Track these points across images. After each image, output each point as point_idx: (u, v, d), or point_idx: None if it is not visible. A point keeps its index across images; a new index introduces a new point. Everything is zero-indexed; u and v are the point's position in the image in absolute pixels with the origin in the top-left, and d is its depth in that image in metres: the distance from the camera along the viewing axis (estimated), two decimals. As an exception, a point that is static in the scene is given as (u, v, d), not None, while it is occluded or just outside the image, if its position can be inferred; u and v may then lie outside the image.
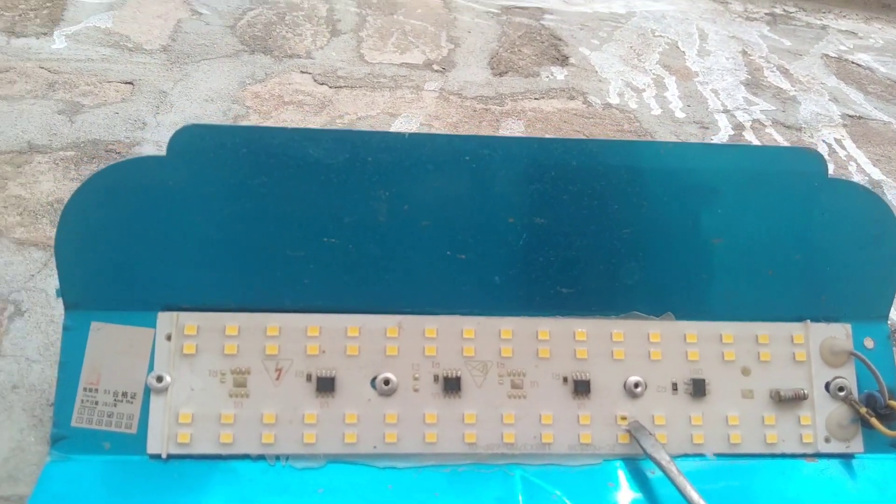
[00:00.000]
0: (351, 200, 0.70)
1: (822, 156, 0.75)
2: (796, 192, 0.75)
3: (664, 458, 0.67)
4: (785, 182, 0.75)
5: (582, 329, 0.74)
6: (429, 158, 0.71)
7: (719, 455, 0.73)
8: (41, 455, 0.69)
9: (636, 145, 0.75)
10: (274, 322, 0.71)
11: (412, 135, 0.70)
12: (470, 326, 0.73)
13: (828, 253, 0.76)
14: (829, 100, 1.66)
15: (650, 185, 0.73)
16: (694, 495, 0.63)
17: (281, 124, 1.18)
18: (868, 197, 0.76)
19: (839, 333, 0.76)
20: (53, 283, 0.87)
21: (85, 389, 0.68)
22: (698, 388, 0.73)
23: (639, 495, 0.69)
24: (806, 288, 0.76)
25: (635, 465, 0.71)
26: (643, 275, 0.74)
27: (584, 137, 1.23)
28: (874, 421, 0.73)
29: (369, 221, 0.71)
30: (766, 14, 2.23)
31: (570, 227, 0.73)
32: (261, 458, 0.69)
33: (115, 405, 0.68)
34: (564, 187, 0.72)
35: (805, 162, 0.75)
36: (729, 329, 0.75)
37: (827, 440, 0.74)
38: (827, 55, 1.94)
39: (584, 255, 0.73)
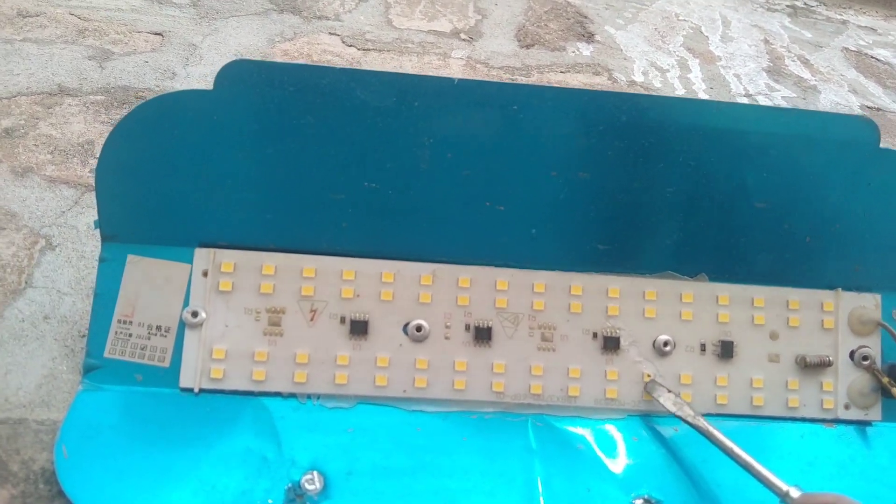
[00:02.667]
0: (395, 145, 0.70)
1: (876, 125, 0.75)
2: (846, 160, 0.75)
3: (689, 414, 0.68)
4: (834, 149, 0.74)
5: (615, 286, 0.74)
6: (476, 106, 0.71)
7: (741, 416, 0.73)
8: (73, 383, 0.70)
9: (688, 103, 0.75)
10: (310, 264, 0.71)
11: (461, 80, 0.70)
12: (503, 278, 0.73)
13: (868, 223, 0.76)
14: (849, 91, 1.66)
15: (698, 145, 0.73)
16: (727, 442, 0.64)
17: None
18: None
19: (868, 303, 0.77)
20: (84, 219, 0.87)
21: (119, 321, 0.69)
22: (726, 350, 0.74)
23: (662, 450, 0.70)
24: (841, 257, 0.77)
25: (659, 421, 0.72)
26: (681, 235, 0.75)
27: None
28: (895, 391, 0.74)
29: (411, 167, 0.71)
30: (787, 6, 2.23)
31: (613, 183, 0.73)
32: (292, 396, 0.69)
33: (149, 338, 0.69)
34: (611, 142, 0.72)
35: (858, 130, 0.74)
36: (761, 293, 0.76)
37: (846, 407, 0.75)
38: (847, 48, 1.94)
39: (624, 213, 0.74)
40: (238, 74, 0.68)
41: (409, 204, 0.72)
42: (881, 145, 0.75)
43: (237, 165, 0.70)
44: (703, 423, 0.67)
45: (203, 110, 0.69)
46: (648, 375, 0.73)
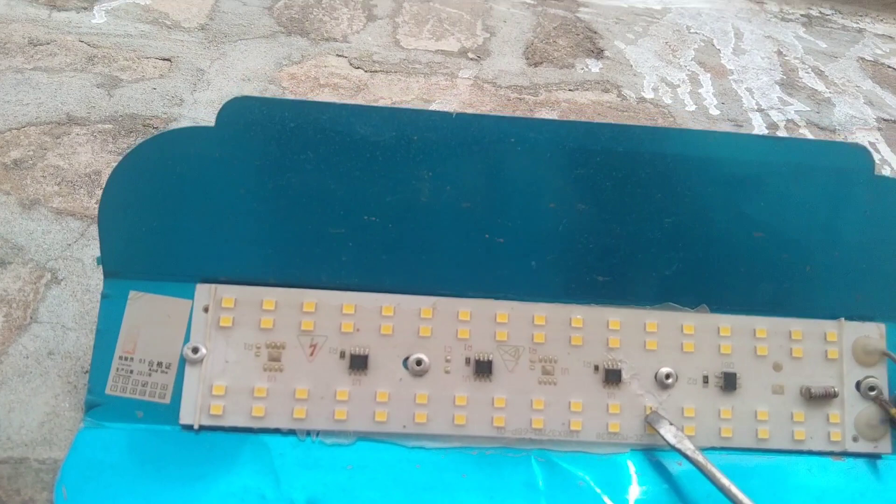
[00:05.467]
0: (394, 179, 0.71)
1: (869, 152, 0.74)
2: (841, 189, 0.74)
3: (689, 448, 0.67)
4: (830, 177, 0.74)
5: (616, 318, 0.74)
6: (474, 139, 0.71)
7: (746, 450, 0.73)
8: (75, 421, 0.70)
9: (683, 133, 0.75)
10: (310, 298, 0.71)
11: (459, 114, 0.70)
12: (504, 311, 0.73)
13: (868, 251, 0.75)
14: (864, 103, 1.64)
15: (695, 175, 0.72)
16: (724, 480, 0.63)
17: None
18: None
19: (873, 333, 0.76)
20: (90, 252, 0.88)
21: (120, 358, 0.69)
22: (729, 382, 0.73)
23: (665, 486, 0.69)
24: (842, 286, 0.76)
25: (663, 456, 0.71)
26: (681, 265, 0.74)
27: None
28: (904, 423, 0.73)
29: (411, 201, 0.71)
30: (801, 15, 2.20)
31: (611, 214, 0.73)
32: (291, 432, 0.69)
33: (150, 374, 0.69)
34: (608, 173, 0.72)
35: (852, 158, 0.74)
36: (763, 324, 0.75)
37: (855, 439, 0.74)
38: (863, 58, 1.92)
39: (623, 244, 0.73)
40: (239, 111, 0.69)
41: (409, 237, 0.72)
42: (875, 172, 0.74)
43: (238, 201, 0.70)
44: (701, 458, 0.66)
45: (205, 147, 0.69)
46: (650, 408, 0.72)
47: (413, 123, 0.70)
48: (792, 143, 0.77)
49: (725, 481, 0.63)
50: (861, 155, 0.74)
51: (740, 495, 0.62)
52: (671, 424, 0.70)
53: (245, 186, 0.70)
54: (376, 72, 1.37)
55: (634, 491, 0.69)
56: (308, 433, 0.70)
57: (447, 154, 0.71)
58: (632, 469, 0.70)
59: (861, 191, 0.75)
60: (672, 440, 0.68)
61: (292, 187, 0.71)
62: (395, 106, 0.67)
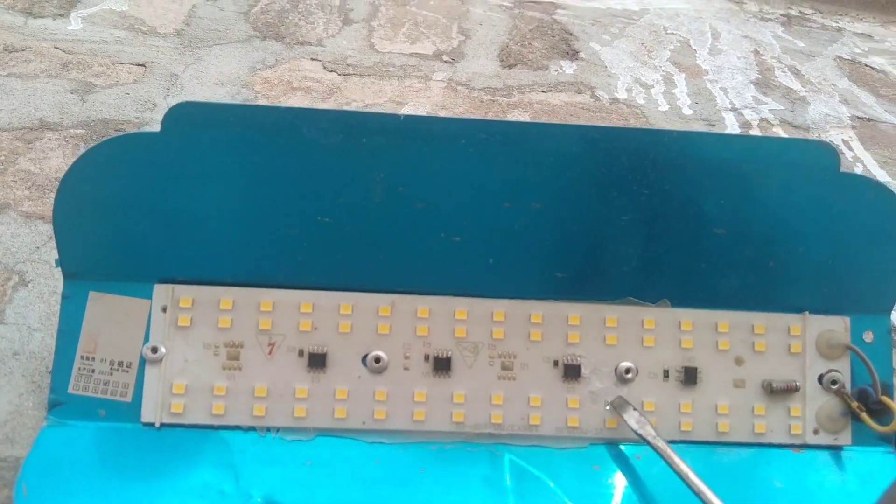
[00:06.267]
0: (345, 180, 0.71)
1: (835, 149, 0.74)
2: (806, 185, 0.74)
3: (650, 434, 0.68)
4: (795, 174, 0.74)
5: (575, 313, 0.74)
6: (424, 141, 0.71)
7: (707, 443, 0.73)
8: (38, 420, 0.70)
9: (638, 133, 0.75)
10: (268, 297, 0.72)
11: (407, 117, 0.70)
12: (462, 308, 0.73)
13: (834, 246, 0.75)
14: (840, 101, 1.65)
15: (652, 173, 0.72)
16: (683, 467, 0.64)
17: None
18: (881, 192, 0.75)
19: (837, 326, 0.76)
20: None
21: (82, 357, 0.69)
22: (690, 376, 0.74)
23: (624, 479, 0.70)
24: (807, 280, 0.76)
25: (622, 449, 0.72)
26: (640, 261, 0.74)
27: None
28: (864, 416, 0.73)
29: (364, 202, 0.71)
30: (781, 15, 2.22)
31: (566, 212, 0.73)
32: (251, 429, 0.70)
33: (112, 374, 0.69)
34: (562, 173, 0.72)
35: (817, 155, 0.74)
36: (725, 318, 0.75)
37: (815, 432, 0.74)
38: (840, 57, 1.93)
39: (580, 241, 0.74)
40: (184, 116, 0.69)
41: (365, 237, 0.72)
42: (840, 169, 0.74)
43: (191, 203, 0.70)
44: (662, 444, 0.66)
45: (152, 152, 0.70)
46: (609, 403, 0.72)
47: (361, 126, 0.70)
48: (756, 140, 0.77)
49: (685, 468, 0.63)
50: (826, 152, 0.74)
51: (699, 483, 0.62)
52: (635, 410, 0.70)
53: (196, 189, 0.70)
54: (350, 75, 1.38)
55: (593, 484, 0.69)
56: (268, 430, 0.70)
57: (398, 156, 0.71)
58: (590, 463, 0.71)
59: (826, 187, 0.74)
60: (635, 426, 0.69)
61: (243, 189, 0.71)
62: (342, 109, 0.68)
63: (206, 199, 0.70)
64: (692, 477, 0.63)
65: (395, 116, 0.70)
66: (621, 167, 0.72)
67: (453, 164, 0.71)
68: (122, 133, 0.68)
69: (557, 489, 0.68)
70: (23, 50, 1.31)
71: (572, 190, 0.72)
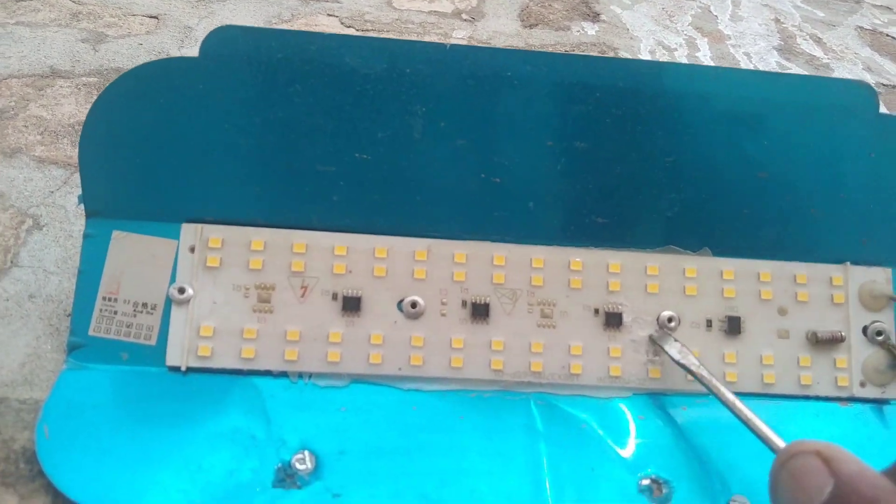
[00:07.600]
0: (386, 114, 0.68)
1: (873, 90, 0.71)
2: (845, 128, 0.71)
3: (693, 363, 0.65)
4: (834, 115, 0.71)
5: (616, 261, 0.71)
6: (469, 73, 0.68)
7: (752, 394, 0.71)
8: (57, 362, 0.68)
9: (685, 68, 0.72)
10: (300, 239, 0.69)
11: (454, 46, 0.67)
12: (501, 253, 0.70)
13: (874, 194, 0.73)
14: (863, 69, 1.62)
15: (697, 112, 0.70)
16: (729, 395, 0.61)
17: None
18: None
19: (879, 277, 0.74)
20: (73, 199, 0.85)
21: (104, 298, 0.67)
22: (733, 326, 0.71)
23: (668, 429, 0.67)
24: (848, 229, 0.73)
25: (666, 400, 0.69)
26: (682, 207, 0.72)
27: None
28: (912, 368, 0.71)
29: (403, 138, 0.68)
30: (798, -14, 2.18)
31: (611, 152, 0.70)
32: (283, 374, 0.67)
33: (135, 315, 0.67)
34: (608, 110, 0.69)
35: (855, 95, 0.71)
36: (767, 267, 0.73)
37: (862, 384, 0.72)
38: (861, 27, 1.89)
39: (623, 184, 0.71)
40: (224, 41, 0.66)
41: (402, 176, 0.69)
42: (879, 111, 0.71)
43: (224, 137, 0.68)
44: (706, 373, 0.64)
45: (188, 79, 0.66)
46: (650, 336, 0.70)
47: (406, 55, 0.67)
48: (794, 79, 0.74)
49: (731, 396, 0.61)
50: (863, 92, 0.72)
51: (747, 411, 0.59)
52: (676, 341, 0.68)
53: (231, 121, 0.67)
54: (368, 31, 1.34)
55: (637, 434, 0.67)
56: (300, 375, 0.67)
57: (441, 88, 0.68)
58: (634, 413, 0.68)
59: (866, 130, 0.72)
60: (677, 356, 0.66)
61: (280, 122, 0.68)
62: (385, 37, 0.64)
63: (240, 133, 0.67)
64: (739, 405, 0.60)
65: (441, 46, 0.67)
66: (667, 105, 0.70)
67: (497, 98, 0.68)
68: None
69: (601, 438, 0.66)
70: (30, 0, 1.27)
71: (617, 128, 0.70)
